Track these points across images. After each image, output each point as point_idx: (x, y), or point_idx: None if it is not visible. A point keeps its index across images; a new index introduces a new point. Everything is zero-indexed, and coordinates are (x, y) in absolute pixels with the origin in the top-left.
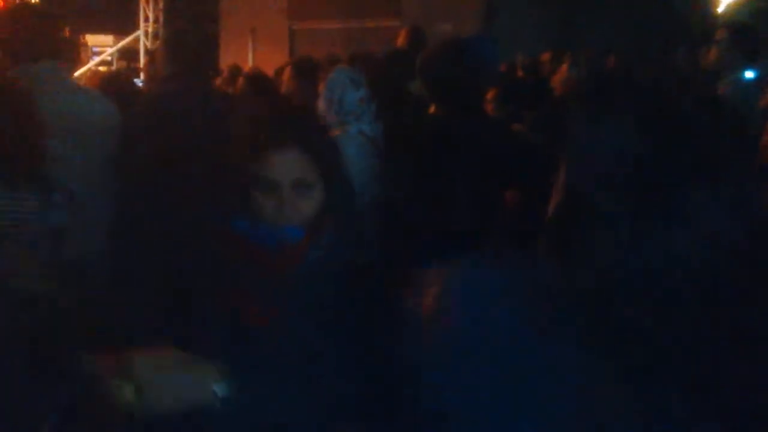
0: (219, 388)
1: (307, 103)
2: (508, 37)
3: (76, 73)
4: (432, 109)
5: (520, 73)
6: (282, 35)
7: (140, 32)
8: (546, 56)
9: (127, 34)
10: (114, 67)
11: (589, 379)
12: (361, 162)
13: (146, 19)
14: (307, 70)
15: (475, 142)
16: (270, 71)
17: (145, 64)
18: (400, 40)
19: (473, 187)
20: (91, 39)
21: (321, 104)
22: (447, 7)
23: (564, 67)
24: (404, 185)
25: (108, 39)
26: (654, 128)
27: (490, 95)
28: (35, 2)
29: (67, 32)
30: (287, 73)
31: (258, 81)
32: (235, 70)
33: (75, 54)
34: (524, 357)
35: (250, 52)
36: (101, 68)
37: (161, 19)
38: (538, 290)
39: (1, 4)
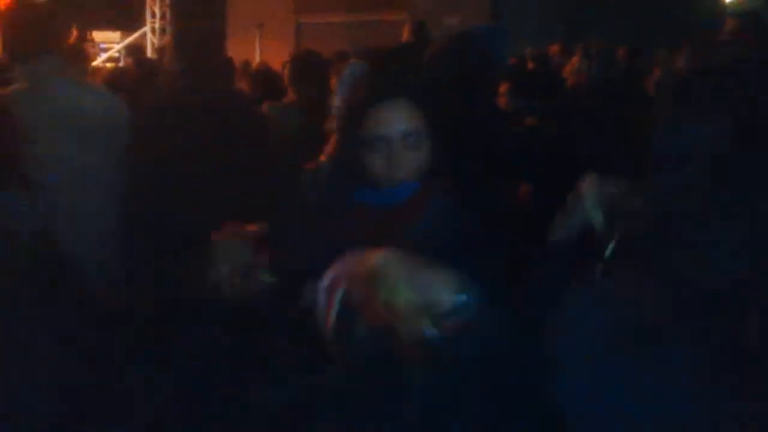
0: (458, 298)
1: (311, 97)
2: (514, 30)
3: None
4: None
5: (530, 66)
6: (289, 29)
7: (147, 28)
8: (555, 48)
9: (133, 30)
10: (121, 64)
11: (697, 391)
12: None
13: (153, 15)
14: (309, 64)
15: (484, 136)
16: (277, 65)
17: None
18: (405, 35)
19: (483, 182)
20: (98, 35)
21: (336, 100)
22: (449, 1)
23: (575, 58)
24: None
25: (115, 35)
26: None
27: (503, 89)
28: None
29: (73, 29)
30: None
31: (266, 79)
32: (246, 66)
33: (81, 50)
34: (629, 369)
35: (257, 46)
36: (108, 64)
37: (168, 15)
38: (639, 303)
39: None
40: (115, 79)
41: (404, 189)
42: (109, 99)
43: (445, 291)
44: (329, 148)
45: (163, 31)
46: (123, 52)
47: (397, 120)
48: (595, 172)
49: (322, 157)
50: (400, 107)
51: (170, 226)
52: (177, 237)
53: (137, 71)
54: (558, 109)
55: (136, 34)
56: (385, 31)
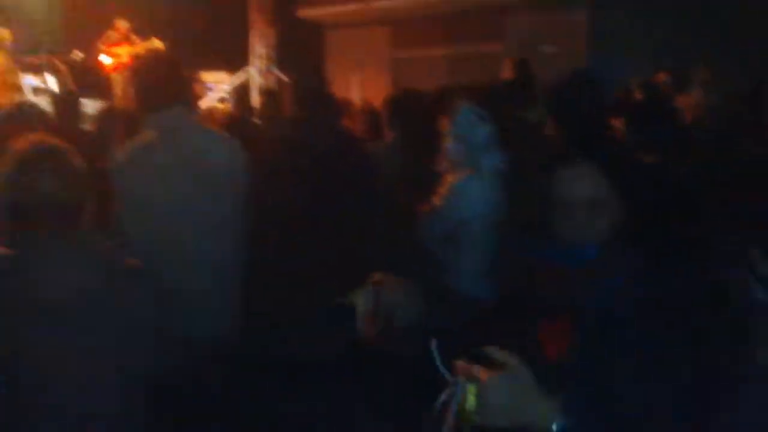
0: (556, 425)
1: (409, 137)
2: (614, 58)
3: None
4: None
5: (637, 96)
6: (385, 64)
7: (251, 68)
8: (662, 77)
9: (238, 69)
10: (230, 104)
11: None
12: (488, 203)
13: (257, 55)
14: (405, 104)
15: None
16: (374, 100)
17: (261, 104)
18: (507, 72)
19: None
20: (205, 75)
21: (449, 141)
22: (550, 29)
23: (692, 89)
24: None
25: (222, 75)
26: None
27: (617, 122)
28: (160, 46)
29: (188, 74)
30: (384, 110)
31: (371, 118)
32: (347, 105)
33: (195, 94)
34: None
35: (355, 83)
36: (219, 105)
37: (272, 55)
38: None
39: (129, 58)
40: (229, 124)
41: (587, 250)
42: (231, 145)
43: (544, 417)
44: (442, 189)
45: (267, 71)
46: (230, 92)
47: (582, 186)
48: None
49: (436, 200)
50: (587, 173)
51: (291, 268)
52: (296, 278)
53: (242, 116)
54: (681, 145)
55: (241, 75)
56: (482, 63)
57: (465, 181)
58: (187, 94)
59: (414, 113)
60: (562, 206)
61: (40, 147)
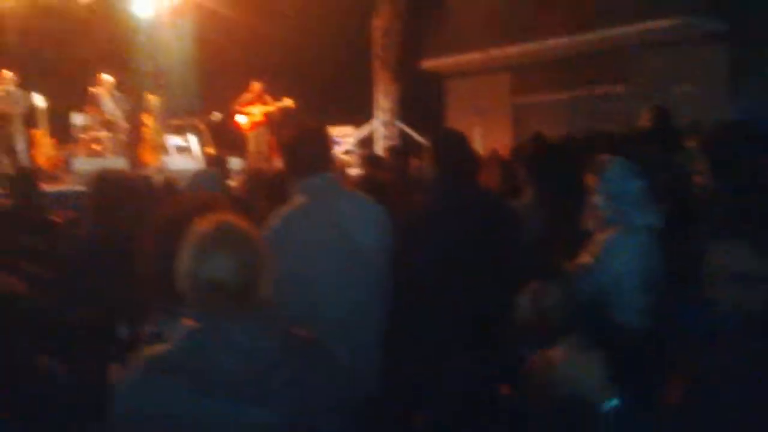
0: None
1: (546, 194)
2: (757, 98)
3: None
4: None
5: None
6: (505, 110)
7: (376, 122)
8: None
9: (363, 123)
10: (356, 156)
11: None
12: (642, 260)
13: (381, 109)
14: (539, 160)
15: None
16: (496, 146)
17: (388, 158)
18: (644, 121)
19: None
20: (332, 129)
21: (597, 198)
22: (678, 69)
23: None
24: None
25: (347, 129)
26: None
27: None
28: (291, 105)
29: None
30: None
31: (507, 173)
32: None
33: None
34: None
35: (475, 129)
36: (345, 157)
37: (396, 109)
38: None
39: (262, 116)
40: (367, 186)
41: (732, 323)
42: (378, 211)
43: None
44: (592, 246)
45: (391, 124)
46: (356, 144)
47: (736, 263)
48: None
49: (585, 257)
50: (743, 249)
51: (433, 328)
52: (438, 339)
53: (374, 174)
54: None
55: (366, 128)
56: (604, 105)
57: (618, 237)
58: (331, 163)
59: (555, 169)
60: (714, 276)
61: (220, 230)
